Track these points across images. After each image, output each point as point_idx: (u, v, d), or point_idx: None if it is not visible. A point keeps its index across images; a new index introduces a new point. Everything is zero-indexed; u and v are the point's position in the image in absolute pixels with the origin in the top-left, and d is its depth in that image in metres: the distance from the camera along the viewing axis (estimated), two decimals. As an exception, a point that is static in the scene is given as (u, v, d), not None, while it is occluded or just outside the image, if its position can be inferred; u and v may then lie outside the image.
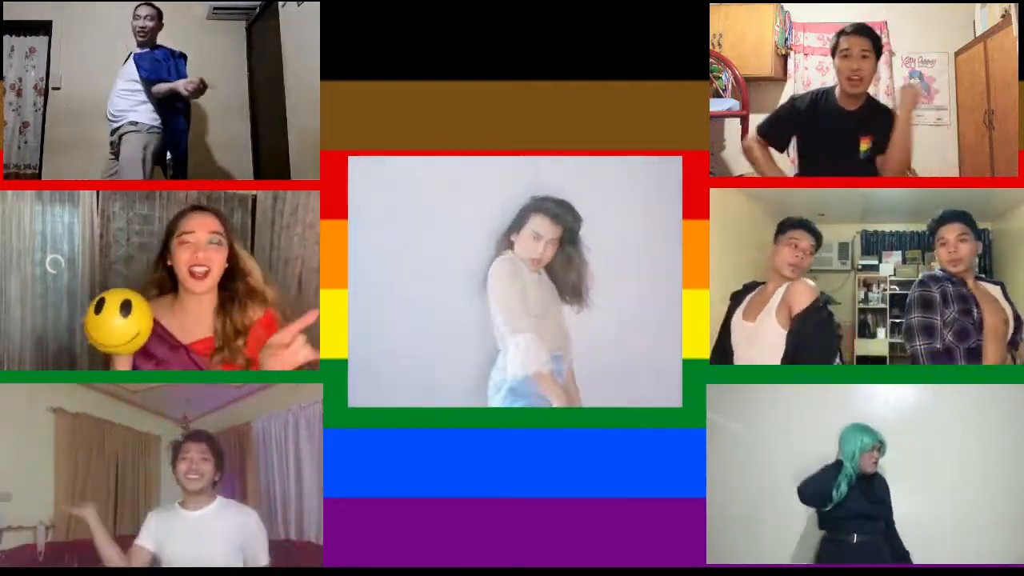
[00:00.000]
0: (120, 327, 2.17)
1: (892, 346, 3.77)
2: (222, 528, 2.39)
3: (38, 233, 2.85)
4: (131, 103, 3.16)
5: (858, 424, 2.48)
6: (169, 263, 2.34)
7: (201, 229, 2.32)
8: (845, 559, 2.43)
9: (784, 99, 3.44)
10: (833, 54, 2.73)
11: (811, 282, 2.69)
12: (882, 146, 2.70)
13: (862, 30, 2.69)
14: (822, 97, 2.78)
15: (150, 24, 3.13)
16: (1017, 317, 2.62)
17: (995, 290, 2.67)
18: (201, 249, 2.31)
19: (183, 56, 3.31)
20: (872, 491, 2.46)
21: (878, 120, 2.73)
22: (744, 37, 3.30)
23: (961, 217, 2.64)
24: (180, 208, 2.83)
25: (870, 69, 2.71)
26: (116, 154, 3.15)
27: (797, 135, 2.78)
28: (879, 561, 2.42)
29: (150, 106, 3.16)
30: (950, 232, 2.63)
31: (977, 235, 2.66)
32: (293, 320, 2.21)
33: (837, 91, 2.75)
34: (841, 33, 2.71)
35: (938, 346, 2.59)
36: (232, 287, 2.38)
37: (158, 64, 3.19)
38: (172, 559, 2.37)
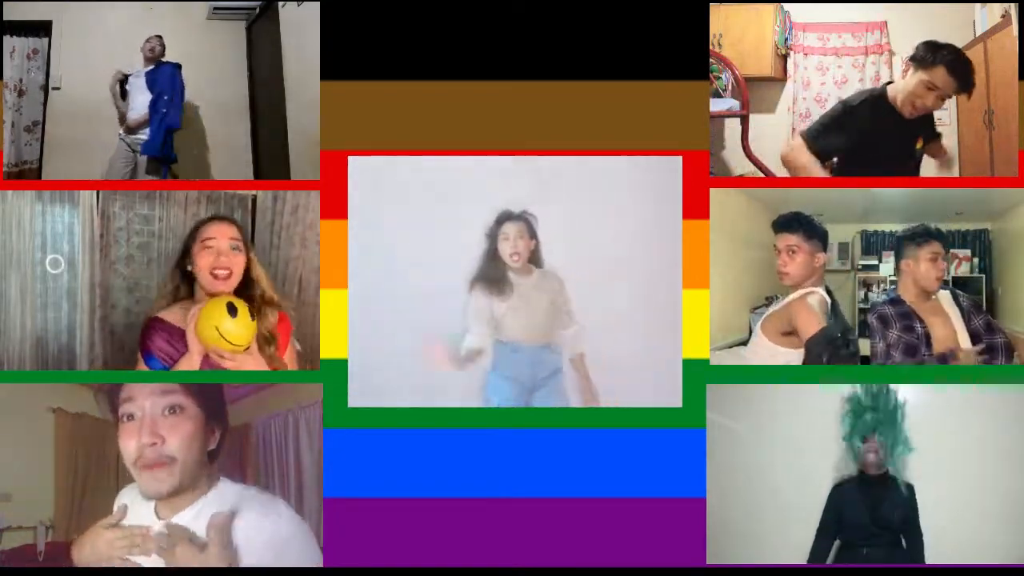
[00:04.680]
0: (253, 326, 2.29)
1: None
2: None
3: (38, 233, 2.85)
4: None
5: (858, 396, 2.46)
6: (189, 268, 2.38)
7: (222, 236, 2.37)
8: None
9: (786, 100, 3.45)
10: (913, 63, 2.64)
11: (815, 296, 2.52)
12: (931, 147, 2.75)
13: (958, 70, 2.59)
14: (878, 100, 2.72)
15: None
16: (980, 322, 2.56)
17: (944, 297, 2.60)
18: (223, 254, 2.35)
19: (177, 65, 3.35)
20: (880, 504, 2.42)
21: (928, 122, 2.74)
22: (744, 37, 3.30)
23: (939, 236, 2.57)
24: (181, 209, 2.87)
25: (936, 107, 2.68)
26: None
27: (847, 139, 2.71)
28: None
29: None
30: (929, 252, 2.56)
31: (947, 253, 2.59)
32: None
33: (892, 98, 2.69)
34: (937, 54, 2.60)
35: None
36: (249, 295, 2.38)
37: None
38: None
